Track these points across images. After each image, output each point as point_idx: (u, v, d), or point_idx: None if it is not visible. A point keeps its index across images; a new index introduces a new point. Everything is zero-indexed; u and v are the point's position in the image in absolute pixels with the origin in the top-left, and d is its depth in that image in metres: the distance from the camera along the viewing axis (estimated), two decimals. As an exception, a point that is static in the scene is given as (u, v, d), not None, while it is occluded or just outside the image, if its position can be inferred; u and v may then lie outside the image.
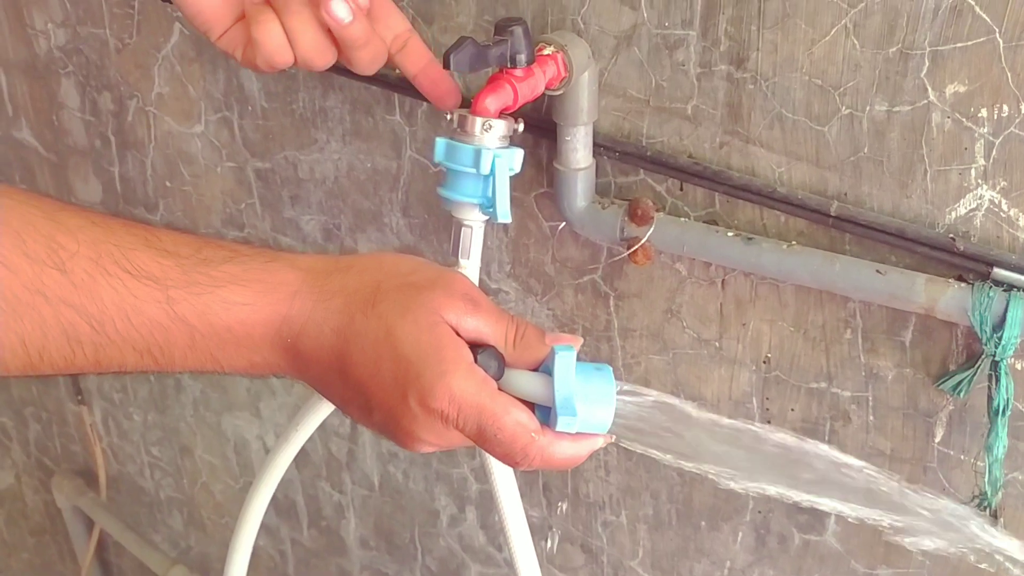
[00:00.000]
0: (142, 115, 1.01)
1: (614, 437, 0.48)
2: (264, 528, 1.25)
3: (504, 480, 0.70)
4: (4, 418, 1.62)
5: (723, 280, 0.69)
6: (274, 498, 1.20)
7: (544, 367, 0.47)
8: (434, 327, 0.45)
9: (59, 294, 0.42)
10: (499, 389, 0.46)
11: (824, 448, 0.51)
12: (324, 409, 0.73)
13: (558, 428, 0.45)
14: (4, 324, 0.42)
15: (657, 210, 0.68)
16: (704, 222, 0.67)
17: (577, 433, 0.46)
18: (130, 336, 0.44)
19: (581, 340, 0.48)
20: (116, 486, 1.48)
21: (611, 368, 0.47)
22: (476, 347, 0.46)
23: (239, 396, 1.16)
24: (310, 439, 1.10)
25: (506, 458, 0.46)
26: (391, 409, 0.45)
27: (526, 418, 0.45)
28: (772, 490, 0.51)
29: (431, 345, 0.44)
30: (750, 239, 0.64)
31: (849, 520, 0.69)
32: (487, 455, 0.71)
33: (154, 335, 0.45)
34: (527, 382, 0.46)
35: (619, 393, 0.47)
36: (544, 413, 0.47)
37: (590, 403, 0.45)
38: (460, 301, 0.46)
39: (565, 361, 0.45)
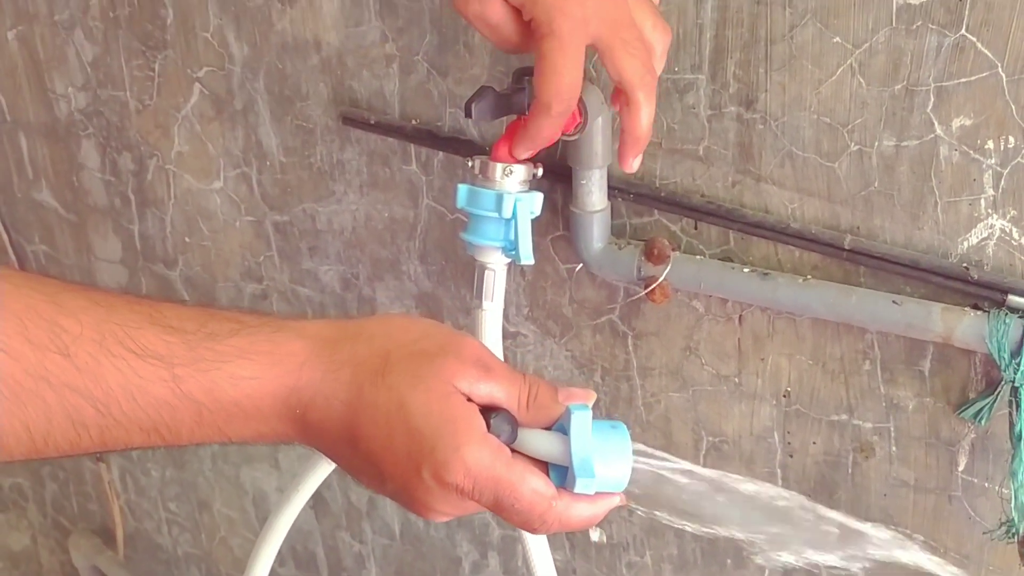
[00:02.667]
0: (162, 173, 1.03)
1: (630, 501, 0.48)
2: (284, 581, 1.24)
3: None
4: (21, 479, 1.62)
5: (740, 316, 0.70)
6: (293, 550, 1.20)
7: (558, 425, 0.46)
8: (447, 397, 0.44)
9: (63, 379, 0.42)
10: (513, 451, 0.46)
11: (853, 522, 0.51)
12: (326, 468, 0.73)
13: (577, 490, 0.44)
14: (8, 411, 0.41)
15: (673, 249, 0.69)
16: (720, 259, 0.68)
17: (595, 493, 0.45)
18: (136, 416, 0.44)
19: (594, 395, 0.48)
20: (133, 544, 1.47)
21: (625, 426, 0.47)
22: (489, 411, 0.46)
23: (257, 448, 1.16)
24: (329, 489, 1.10)
25: (524, 525, 0.46)
26: (405, 482, 0.45)
27: (543, 485, 0.45)
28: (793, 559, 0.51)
29: (444, 417, 0.44)
30: (766, 274, 0.65)
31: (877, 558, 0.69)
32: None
33: (161, 414, 0.44)
34: (542, 443, 0.46)
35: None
36: (559, 472, 0.46)
37: (607, 463, 0.45)
38: (472, 368, 0.46)
39: (582, 421, 0.45)
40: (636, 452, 0.47)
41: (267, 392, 0.45)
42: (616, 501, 0.47)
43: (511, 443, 0.46)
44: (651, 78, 0.56)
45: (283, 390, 0.45)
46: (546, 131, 0.57)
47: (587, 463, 0.44)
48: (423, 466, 0.44)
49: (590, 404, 0.46)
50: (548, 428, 0.47)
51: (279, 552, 1.22)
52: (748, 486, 0.52)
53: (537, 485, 0.45)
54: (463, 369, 0.45)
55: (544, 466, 0.46)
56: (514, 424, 0.46)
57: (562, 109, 0.55)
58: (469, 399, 0.45)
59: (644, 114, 0.56)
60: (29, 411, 0.41)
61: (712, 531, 0.52)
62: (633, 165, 0.59)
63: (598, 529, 0.47)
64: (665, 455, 0.49)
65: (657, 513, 0.50)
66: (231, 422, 0.46)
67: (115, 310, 0.44)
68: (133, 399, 0.43)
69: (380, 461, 0.45)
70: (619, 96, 0.57)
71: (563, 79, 0.54)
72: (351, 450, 0.46)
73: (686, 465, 0.50)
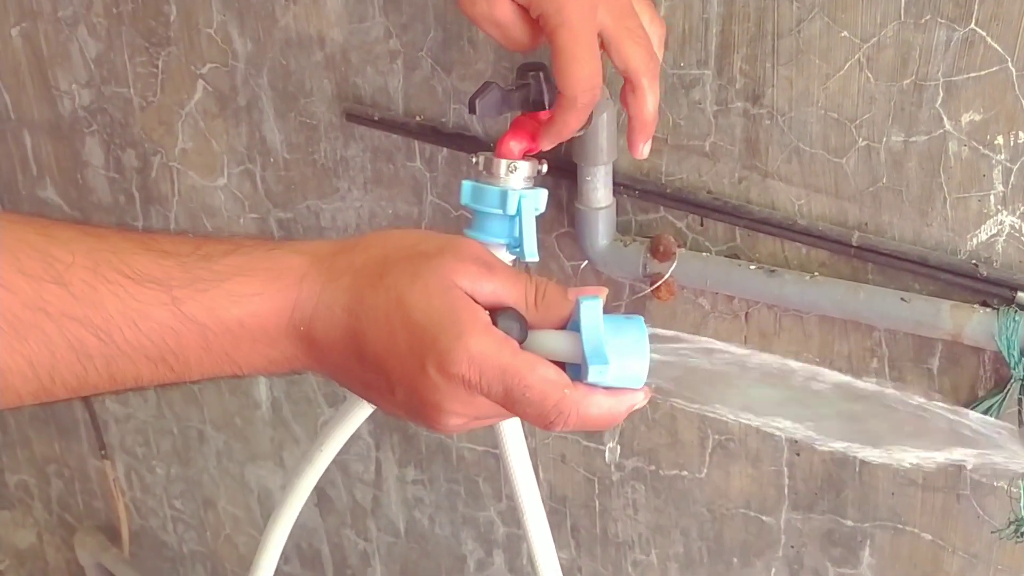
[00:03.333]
0: (166, 170, 1.03)
1: (651, 393, 0.45)
2: (289, 579, 1.24)
3: (535, 519, 0.70)
4: (26, 476, 1.62)
5: (747, 313, 0.70)
6: (298, 548, 1.20)
7: (570, 324, 0.44)
8: (446, 291, 0.43)
9: (61, 308, 0.41)
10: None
11: (867, 384, 0.47)
12: (327, 455, 0.72)
13: (590, 379, 0.42)
14: (9, 347, 0.40)
15: (679, 246, 0.69)
16: (726, 256, 0.68)
17: (612, 388, 0.43)
18: (140, 344, 0.43)
19: (606, 290, 0.45)
20: (139, 541, 1.47)
21: (642, 318, 0.44)
22: (495, 311, 0.43)
23: (262, 446, 1.16)
24: (334, 486, 1.10)
25: (539, 419, 0.43)
26: (412, 383, 0.43)
27: (554, 373, 0.42)
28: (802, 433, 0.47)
29: (444, 309, 0.42)
30: (772, 271, 0.65)
31: (885, 549, 0.69)
32: (519, 494, 0.71)
33: (165, 340, 0.43)
34: (552, 340, 0.43)
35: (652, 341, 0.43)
36: (575, 374, 0.43)
37: (622, 353, 0.42)
38: (473, 265, 0.44)
39: (592, 309, 0.42)
40: (655, 339, 0.44)
41: (270, 309, 0.44)
42: (639, 399, 0.44)
43: (521, 342, 0.43)
44: (655, 64, 0.56)
45: (286, 304, 0.44)
46: (573, 124, 0.56)
47: (599, 349, 0.41)
48: (427, 360, 0.42)
49: (602, 297, 0.43)
50: (559, 329, 0.44)
51: (283, 549, 1.22)
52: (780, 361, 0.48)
53: (548, 373, 0.42)
54: (463, 267, 0.43)
55: (558, 367, 0.43)
56: (522, 322, 0.43)
57: (588, 99, 0.55)
58: (474, 299, 0.43)
59: (650, 99, 0.56)
60: (31, 345, 0.40)
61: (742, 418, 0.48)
62: (644, 151, 0.58)
63: (614, 443, 0.43)
64: (685, 335, 0.46)
65: (682, 402, 0.46)
66: (238, 346, 0.44)
67: (106, 239, 0.43)
68: (135, 325, 0.42)
69: (385, 364, 0.43)
70: (625, 85, 0.57)
71: (584, 68, 0.53)
72: (358, 361, 0.44)
73: (709, 343, 0.46)
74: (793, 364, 0.49)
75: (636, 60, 0.55)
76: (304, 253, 0.46)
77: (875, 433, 0.49)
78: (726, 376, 0.47)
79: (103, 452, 1.40)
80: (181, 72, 0.95)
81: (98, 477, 1.45)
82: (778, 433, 0.48)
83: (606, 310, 0.43)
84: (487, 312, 0.43)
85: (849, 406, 0.48)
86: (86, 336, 0.41)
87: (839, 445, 0.49)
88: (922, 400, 0.49)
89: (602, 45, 0.55)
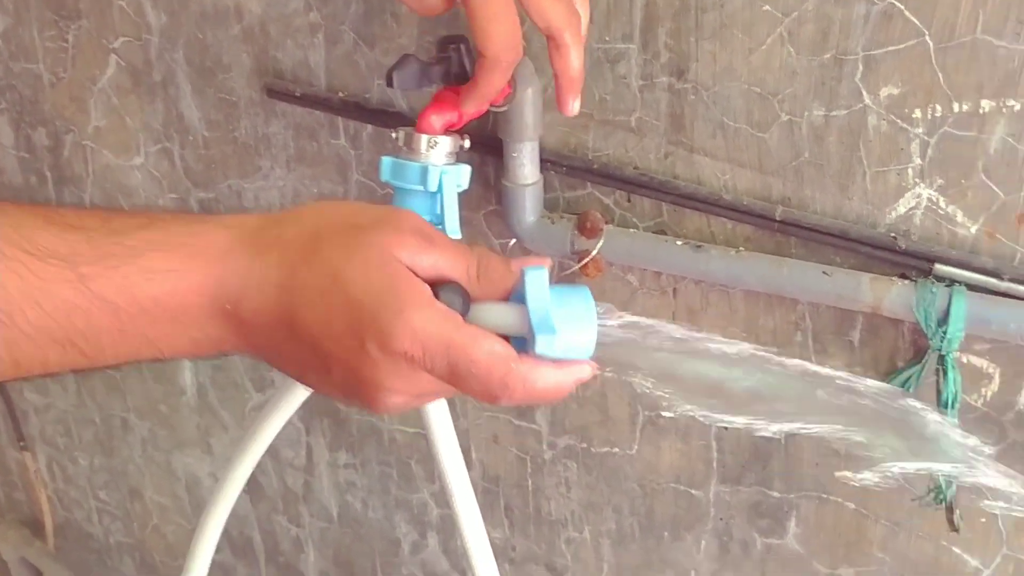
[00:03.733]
0: (79, 149, 0.99)
1: (598, 368, 0.43)
2: (220, 567, 1.22)
3: (465, 501, 0.69)
4: (-58, 470, 1.56)
5: (674, 289, 0.70)
6: (229, 536, 1.17)
7: (514, 296, 0.43)
8: (385, 265, 0.41)
9: None
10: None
11: (794, 361, 0.47)
12: (263, 442, 0.71)
13: (537, 350, 0.41)
14: None
15: (606, 222, 0.68)
16: (653, 232, 0.68)
17: (559, 360, 0.42)
18: (46, 326, 0.39)
19: (550, 261, 0.44)
20: (64, 534, 1.43)
21: (588, 288, 0.43)
22: (436, 285, 0.42)
23: (189, 433, 1.13)
24: (264, 473, 1.08)
25: (485, 394, 0.41)
26: (350, 362, 0.41)
27: (500, 346, 0.41)
28: (741, 421, 0.47)
29: (384, 284, 0.40)
30: (699, 247, 0.65)
31: (810, 519, 0.70)
32: (447, 476, 0.70)
33: (73, 321, 0.40)
34: (497, 312, 0.42)
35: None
36: (520, 346, 0.42)
37: (570, 323, 0.41)
38: (412, 237, 0.42)
39: (537, 279, 0.41)
40: (604, 316, 0.43)
41: (190, 287, 0.41)
42: (586, 372, 0.43)
43: (463, 316, 0.42)
44: (576, 20, 0.54)
45: (208, 282, 0.41)
46: (496, 83, 0.54)
47: (546, 319, 0.40)
48: (367, 337, 0.40)
49: (546, 267, 0.42)
50: (503, 301, 0.43)
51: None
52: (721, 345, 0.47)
53: (493, 346, 0.41)
54: (402, 239, 0.42)
55: (503, 340, 0.42)
56: (465, 296, 0.42)
57: (510, 58, 0.53)
58: (414, 273, 0.42)
59: (574, 55, 0.54)
60: None
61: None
62: (573, 108, 0.57)
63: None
64: (629, 316, 0.45)
65: (633, 378, 0.46)
66: (156, 326, 0.41)
67: (5, 213, 0.40)
68: (38, 305, 0.39)
69: (322, 344, 0.41)
70: (549, 43, 0.56)
71: (502, 25, 0.52)
72: (292, 341, 0.42)
73: (656, 323, 0.46)
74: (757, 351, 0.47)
75: (556, 17, 0.53)
76: (228, 227, 0.43)
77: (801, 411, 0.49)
78: (675, 357, 0.46)
79: (22, 444, 1.35)
80: (92, 46, 0.91)
81: (19, 469, 1.40)
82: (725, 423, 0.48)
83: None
84: (428, 286, 0.41)
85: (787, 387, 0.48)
86: None
87: (786, 427, 0.49)
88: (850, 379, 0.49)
89: (522, 4, 0.54)
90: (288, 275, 0.41)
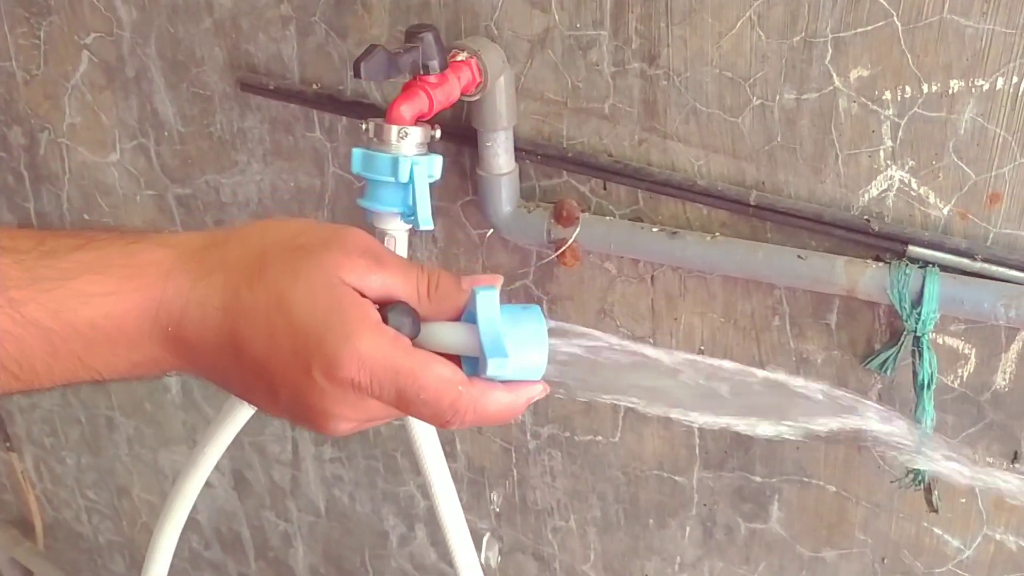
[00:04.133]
0: (55, 147, 0.98)
1: (548, 388, 0.43)
2: (210, 564, 1.22)
3: (445, 494, 0.69)
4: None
5: (652, 276, 0.69)
6: (218, 532, 1.17)
7: (465, 315, 0.42)
8: (331, 288, 0.40)
9: None
10: (416, 347, 0.41)
11: (754, 370, 0.47)
12: (229, 432, 0.70)
13: (488, 373, 0.40)
14: None
15: (582, 210, 0.68)
16: (629, 219, 0.67)
17: (510, 381, 0.41)
18: None
19: (500, 279, 0.43)
20: (53, 534, 1.42)
21: (539, 307, 0.42)
22: (385, 306, 0.41)
23: (175, 430, 1.13)
24: (251, 468, 1.08)
25: (435, 419, 0.41)
26: (296, 387, 0.40)
27: (449, 371, 0.40)
28: (703, 420, 0.46)
29: (330, 308, 0.39)
30: (675, 233, 0.65)
31: (792, 500, 0.70)
32: (427, 468, 0.70)
33: (4, 346, 0.38)
34: (447, 333, 0.42)
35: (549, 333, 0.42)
36: (471, 366, 0.42)
37: (521, 344, 0.41)
38: (360, 259, 0.41)
39: (488, 300, 0.40)
40: (554, 333, 0.42)
41: (128, 309, 0.40)
42: (537, 391, 0.42)
43: (413, 338, 0.41)
44: None
45: (148, 304, 0.40)
46: None
47: (497, 342, 0.40)
48: (312, 364, 0.39)
49: (497, 286, 0.42)
50: (455, 320, 0.43)
51: (203, 534, 1.19)
52: (677, 357, 0.46)
53: (442, 371, 0.40)
54: (349, 261, 0.40)
55: (455, 361, 0.42)
56: (415, 317, 0.41)
57: None
58: (362, 295, 0.41)
59: None
60: None
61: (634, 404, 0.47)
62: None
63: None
64: (586, 330, 0.44)
65: (583, 395, 0.45)
66: (93, 350, 0.40)
67: None
68: None
69: (267, 369, 0.40)
70: None
71: None
72: (236, 364, 0.41)
73: (612, 340, 0.45)
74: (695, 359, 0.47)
75: None
76: (169, 246, 0.42)
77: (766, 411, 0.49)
78: (622, 370, 0.45)
79: (8, 444, 1.34)
80: (64, 43, 0.90)
81: (6, 470, 1.40)
82: (684, 421, 0.48)
83: (502, 298, 0.42)
84: (377, 308, 0.41)
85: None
86: None
87: (739, 425, 0.49)
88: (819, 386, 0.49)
89: None
90: (232, 298, 0.40)
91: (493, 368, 0.40)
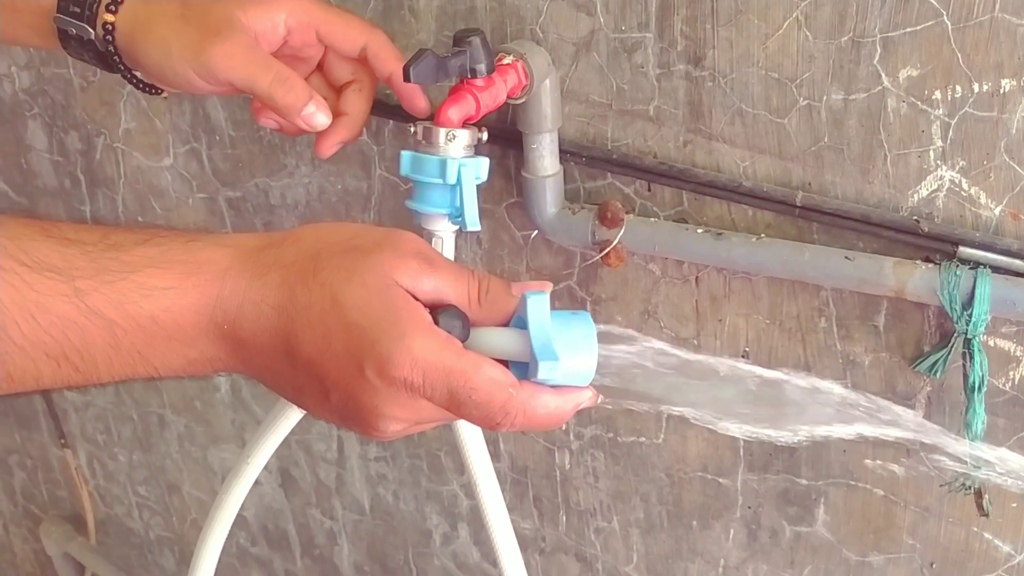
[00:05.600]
0: (110, 152, 1.01)
1: (597, 396, 0.43)
2: (256, 560, 1.24)
3: (491, 494, 0.70)
4: (-12, 468, 1.60)
5: (696, 277, 0.70)
6: (264, 529, 1.19)
7: (514, 321, 0.43)
8: (385, 289, 0.40)
9: None
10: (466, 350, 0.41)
11: (800, 377, 0.48)
12: (275, 438, 0.71)
13: (539, 377, 0.40)
14: None
15: (627, 212, 0.68)
16: (674, 221, 0.68)
17: (559, 387, 0.42)
18: (40, 340, 0.39)
19: (550, 285, 0.44)
20: (105, 529, 1.46)
21: (588, 313, 0.43)
22: (436, 309, 0.41)
23: (224, 428, 1.15)
24: (297, 466, 1.09)
25: (485, 420, 0.41)
26: (348, 386, 0.40)
27: (500, 373, 0.41)
28: (749, 429, 0.47)
29: (384, 308, 0.40)
30: (720, 234, 0.65)
31: (839, 506, 0.69)
32: (472, 467, 0.70)
33: (68, 336, 0.39)
34: (498, 338, 0.42)
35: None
36: (520, 372, 0.42)
37: (571, 349, 0.41)
38: (413, 261, 0.41)
39: (539, 304, 0.41)
40: (603, 338, 0.43)
41: (187, 305, 0.41)
42: (586, 397, 0.43)
43: (463, 341, 0.42)
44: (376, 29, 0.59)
45: (205, 301, 0.41)
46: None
47: (548, 346, 0.40)
48: (365, 363, 0.39)
49: (548, 292, 0.42)
50: (503, 326, 0.43)
51: (250, 531, 1.22)
52: (725, 363, 0.48)
53: (494, 373, 0.41)
54: (403, 263, 0.41)
55: (503, 366, 0.42)
56: (465, 320, 0.42)
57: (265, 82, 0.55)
58: (414, 297, 0.41)
59: (393, 55, 0.60)
60: None
61: (681, 412, 0.47)
62: (424, 106, 0.61)
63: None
64: (635, 334, 0.45)
65: (630, 403, 0.46)
66: (152, 344, 0.41)
67: (3, 225, 0.40)
68: (32, 318, 0.38)
69: (320, 368, 0.41)
70: (370, 60, 0.60)
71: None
72: (289, 364, 0.41)
73: (659, 345, 0.45)
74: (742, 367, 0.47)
75: (361, 34, 0.60)
76: (227, 246, 0.43)
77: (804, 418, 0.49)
78: (670, 378, 0.46)
79: (63, 441, 1.38)
80: (120, 50, 0.93)
81: (60, 466, 1.44)
82: (727, 433, 0.48)
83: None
84: (428, 310, 0.41)
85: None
86: None
87: (786, 436, 0.49)
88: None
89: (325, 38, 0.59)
90: (287, 297, 0.41)
91: (544, 371, 0.40)
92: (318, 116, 0.57)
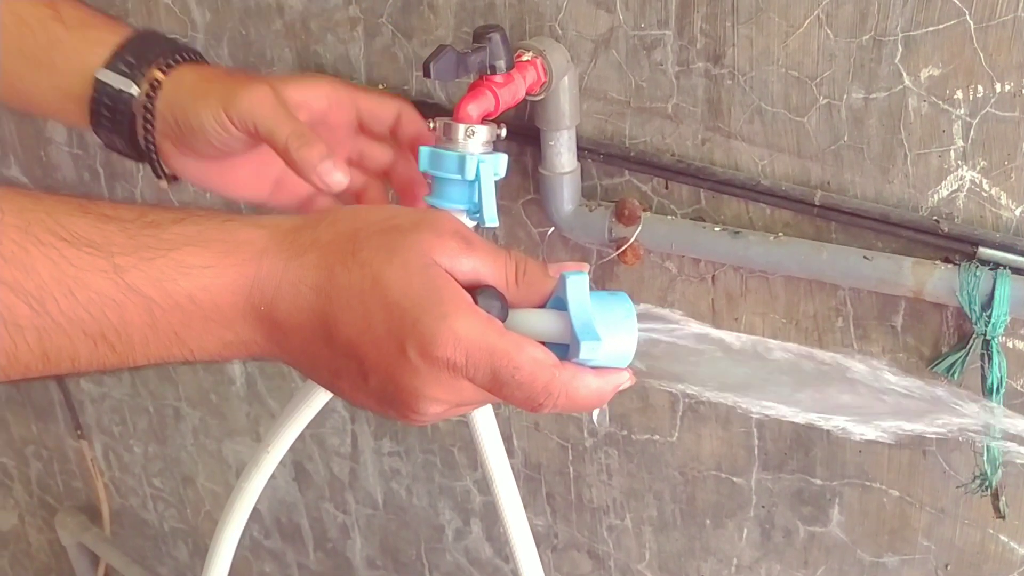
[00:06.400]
0: (129, 145, 1.01)
1: (635, 377, 0.43)
2: (270, 553, 1.25)
3: (507, 490, 0.70)
4: (5, 458, 1.61)
5: (713, 276, 0.69)
6: (278, 522, 1.20)
7: (552, 302, 0.42)
8: (426, 269, 0.40)
9: None
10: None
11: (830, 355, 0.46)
12: (295, 427, 0.71)
13: (581, 356, 0.40)
14: None
15: (644, 210, 0.68)
16: (691, 219, 0.67)
17: (598, 368, 0.41)
18: (78, 316, 0.38)
19: (588, 266, 0.43)
20: (120, 520, 1.47)
21: (626, 294, 0.42)
22: (474, 290, 0.41)
23: (239, 421, 1.16)
24: (311, 460, 1.10)
25: (528, 401, 0.40)
26: (388, 368, 0.39)
27: (542, 353, 0.40)
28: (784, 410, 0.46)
29: (425, 288, 0.39)
30: (737, 233, 0.65)
31: (853, 505, 0.69)
32: (488, 463, 0.71)
33: (106, 313, 0.38)
34: (537, 319, 0.41)
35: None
36: (559, 351, 0.42)
37: (611, 330, 0.40)
38: (452, 240, 0.41)
39: (578, 284, 0.40)
40: (641, 317, 0.43)
41: (225, 285, 0.40)
42: (625, 378, 0.42)
43: (502, 321, 0.41)
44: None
45: (243, 281, 0.40)
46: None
47: (589, 325, 0.40)
48: (407, 343, 0.39)
49: (586, 272, 0.42)
50: (540, 307, 0.43)
51: (264, 524, 1.22)
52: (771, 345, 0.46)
53: (536, 353, 0.40)
54: (442, 242, 0.41)
55: (545, 348, 0.41)
56: (503, 301, 0.41)
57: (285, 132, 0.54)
58: (452, 276, 0.41)
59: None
60: None
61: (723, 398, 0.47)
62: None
63: (601, 409, 0.42)
64: (671, 313, 0.44)
65: (664, 384, 0.45)
66: (189, 324, 0.40)
67: (40, 200, 0.39)
68: (71, 293, 0.38)
69: (359, 349, 0.40)
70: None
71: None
72: (327, 345, 0.41)
73: (697, 328, 0.45)
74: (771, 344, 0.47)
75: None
76: (263, 227, 0.42)
77: (840, 405, 0.48)
78: (704, 355, 0.45)
79: (79, 432, 1.39)
80: (140, 44, 0.93)
81: (76, 457, 1.45)
82: (753, 412, 0.48)
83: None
84: (467, 291, 0.41)
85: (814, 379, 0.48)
86: (16, 304, 0.37)
87: (810, 417, 0.48)
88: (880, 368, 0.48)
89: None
90: (326, 277, 0.40)
91: (586, 351, 0.40)
92: (334, 174, 0.54)
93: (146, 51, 0.56)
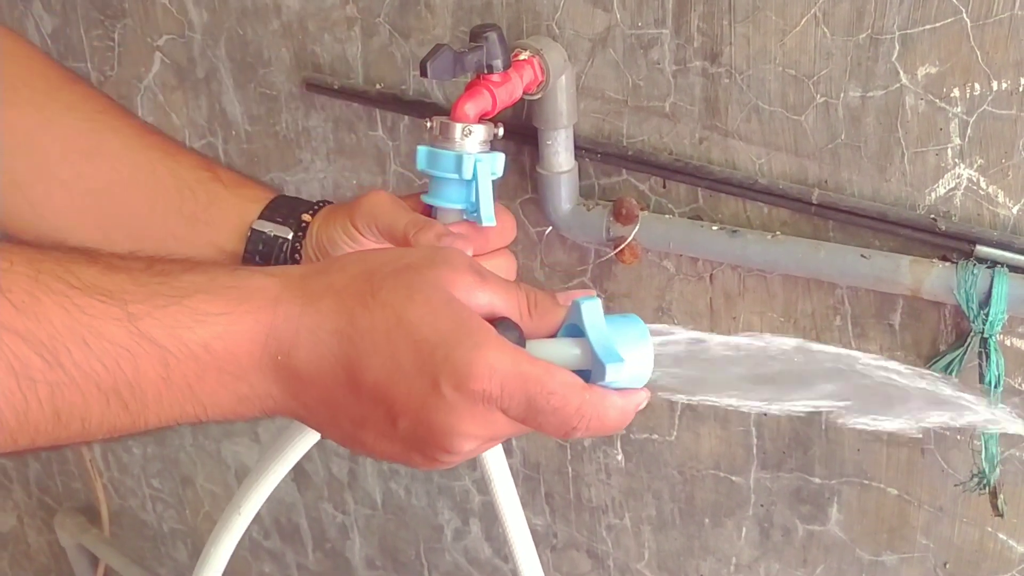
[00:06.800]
0: (127, 146, 1.01)
1: (650, 395, 0.43)
2: (269, 553, 1.25)
3: (505, 490, 0.70)
4: (3, 459, 1.61)
5: (711, 275, 0.69)
6: (277, 522, 1.20)
7: (564, 330, 0.43)
8: (449, 304, 0.39)
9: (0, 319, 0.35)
10: None
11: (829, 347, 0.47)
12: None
13: (607, 378, 0.40)
14: None
15: (641, 209, 0.68)
16: (689, 218, 0.67)
17: (620, 389, 0.42)
18: (92, 369, 0.37)
19: (594, 292, 0.44)
20: (119, 521, 1.47)
21: (638, 316, 0.43)
22: (492, 322, 0.41)
23: (238, 423, 1.16)
24: (310, 460, 1.10)
25: (562, 426, 0.40)
26: (420, 407, 0.39)
27: (572, 377, 0.40)
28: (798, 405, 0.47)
29: (452, 322, 0.39)
30: (735, 232, 0.65)
31: (852, 505, 0.69)
32: (486, 463, 0.71)
33: (120, 365, 0.37)
34: (555, 348, 0.42)
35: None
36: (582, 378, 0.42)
37: (630, 350, 0.41)
38: (467, 275, 0.41)
39: (593, 309, 0.41)
40: (652, 333, 0.43)
41: (241, 332, 0.39)
42: (643, 397, 0.43)
43: None
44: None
45: (259, 328, 0.39)
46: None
47: (610, 348, 0.41)
48: (441, 378, 0.38)
49: (596, 297, 0.42)
50: (552, 337, 0.43)
51: (263, 524, 1.22)
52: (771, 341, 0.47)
53: (566, 377, 0.40)
54: (458, 277, 0.41)
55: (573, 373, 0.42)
56: (520, 333, 0.42)
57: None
58: None
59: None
60: None
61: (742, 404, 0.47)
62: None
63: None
64: (677, 328, 0.45)
65: (682, 396, 0.45)
66: (203, 377, 0.39)
67: (47, 251, 0.38)
68: (84, 343, 0.36)
69: (389, 392, 0.39)
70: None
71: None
72: (351, 393, 0.40)
73: (701, 335, 0.45)
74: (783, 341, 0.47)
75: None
76: (273, 275, 0.41)
77: (844, 399, 0.48)
78: (710, 362, 0.46)
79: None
80: (138, 45, 0.93)
81: (75, 458, 1.45)
82: (757, 410, 0.48)
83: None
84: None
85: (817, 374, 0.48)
86: (29, 355, 0.35)
87: (815, 405, 0.49)
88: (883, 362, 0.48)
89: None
90: (347, 321, 0.39)
91: (612, 373, 0.40)
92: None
93: (296, 204, 0.60)
